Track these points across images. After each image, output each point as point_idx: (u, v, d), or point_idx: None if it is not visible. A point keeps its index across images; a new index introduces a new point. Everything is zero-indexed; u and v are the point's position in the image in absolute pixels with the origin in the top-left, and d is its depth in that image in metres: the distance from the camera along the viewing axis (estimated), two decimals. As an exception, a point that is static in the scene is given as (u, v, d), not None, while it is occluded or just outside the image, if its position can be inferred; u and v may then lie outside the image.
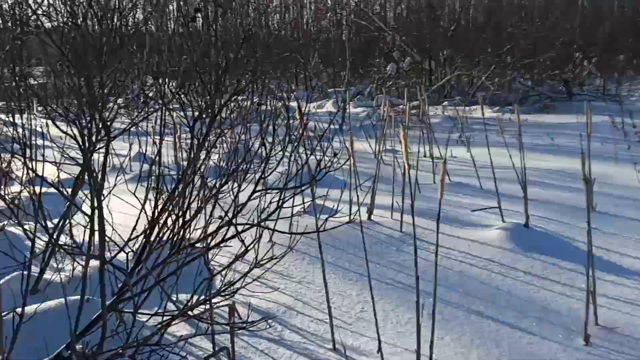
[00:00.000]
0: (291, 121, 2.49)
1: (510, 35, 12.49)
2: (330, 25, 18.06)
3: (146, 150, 2.58)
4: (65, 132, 1.87)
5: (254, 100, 2.83)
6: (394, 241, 3.71)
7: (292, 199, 2.33)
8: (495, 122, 7.94)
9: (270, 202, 2.12)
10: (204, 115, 2.20)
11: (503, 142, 4.55)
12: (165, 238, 2.12)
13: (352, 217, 3.99)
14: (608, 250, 3.49)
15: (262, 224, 2.06)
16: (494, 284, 3.09)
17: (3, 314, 2.08)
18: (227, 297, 2.12)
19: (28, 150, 2.16)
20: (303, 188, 2.26)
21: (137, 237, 2.03)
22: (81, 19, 1.86)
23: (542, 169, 5.81)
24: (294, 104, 3.28)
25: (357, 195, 3.08)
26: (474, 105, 10.51)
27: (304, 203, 4.31)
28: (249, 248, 2.01)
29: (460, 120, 7.96)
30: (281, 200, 2.21)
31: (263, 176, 2.14)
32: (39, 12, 1.96)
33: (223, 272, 2.30)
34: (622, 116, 7.83)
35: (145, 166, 2.18)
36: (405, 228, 3.86)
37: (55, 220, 2.87)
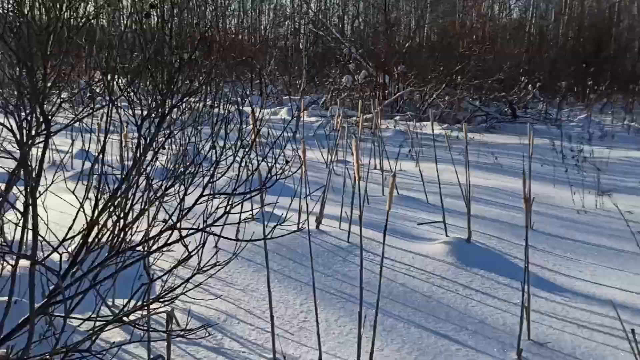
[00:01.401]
0: (244, 126, 2.46)
1: (461, 56, 12.86)
2: (288, 33, 18.10)
3: (89, 148, 2.49)
4: (2, 124, 1.78)
5: (207, 102, 2.79)
6: (341, 251, 3.72)
7: (240, 205, 2.30)
8: (444, 138, 8.14)
9: (218, 207, 2.08)
10: (152, 115, 2.14)
11: (450, 159, 4.66)
12: (104, 240, 2.05)
13: (300, 225, 3.98)
14: (542, 268, 3.62)
15: (208, 229, 2.02)
16: (435, 297, 3.15)
17: None
18: (166, 303, 2.06)
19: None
20: (252, 194, 2.23)
21: (73, 237, 1.95)
22: (28, 6, 1.78)
23: (485, 186, 5.99)
24: (247, 109, 3.25)
25: (307, 204, 3.08)
26: (425, 122, 10.74)
27: (252, 210, 4.29)
28: (192, 254, 1.96)
29: (411, 135, 8.11)
30: (229, 206, 2.18)
31: (211, 180, 2.10)
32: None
33: (164, 278, 2.24)
34: (562, 140, 8.18)
35: (87, 164, 2.10)
36: (353, 239, 3.89)
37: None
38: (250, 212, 4.28)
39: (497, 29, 17.18)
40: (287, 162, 2.08)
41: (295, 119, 3.43)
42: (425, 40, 15.64)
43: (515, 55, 14.31)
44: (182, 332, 2.16)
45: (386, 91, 13.44)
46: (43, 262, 1.75)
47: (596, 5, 23.41)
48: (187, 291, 2.04)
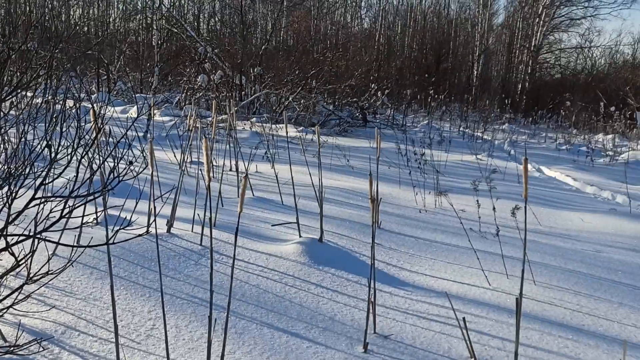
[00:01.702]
0: (83, 123, 2.29)
1: (316, 61, 13.27)
2: (139, 27, 17.30)
3: None
4: None
5: (46, 97, 2.58)
6: (193, 255, 3.63)
7: (82, 208, 2.14)
8: (299, 141, 8.33)
9: (52, 211, 1.91)
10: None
11: (304, 161, 4.78)
12: None
13: (148, 228, 3.82)
14: (388, 264, 3.85)
15: (40, 235, 1.85)
16: (288, 297, 3.20)
17: None
18: (-9, 317, 1.85)
19: None
20: (94, 197, 2.09)
21: None
22: None
23: (338, 187, 6.23)
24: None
25: (154, 207, 2.95)
26: (281, 124, 10.90)
27: (97, 213, 4.01)
28: (20, 262, 1.78)
29: (267, 137, 8.17)
30: (67, 209, 2.02)
31: (45, 182, 1.93)
32: None
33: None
34: (406, 144, 8.79)
35: None
36: (205, 241, 3.81)
37: None
38: (95, 216, 4.02)
39: (349, 36, 18.01)
40: (130, 162, 1.98)
41: (146, 117, 3.27)
42: (281, 43, 15.88)
43: (366, 62, 15.12)
44: (11, 348, 1.95)
45: (242, 92, 13.41)
46: None
47: (437, 20, 25.57)
48: (16, 303, 1.85)
